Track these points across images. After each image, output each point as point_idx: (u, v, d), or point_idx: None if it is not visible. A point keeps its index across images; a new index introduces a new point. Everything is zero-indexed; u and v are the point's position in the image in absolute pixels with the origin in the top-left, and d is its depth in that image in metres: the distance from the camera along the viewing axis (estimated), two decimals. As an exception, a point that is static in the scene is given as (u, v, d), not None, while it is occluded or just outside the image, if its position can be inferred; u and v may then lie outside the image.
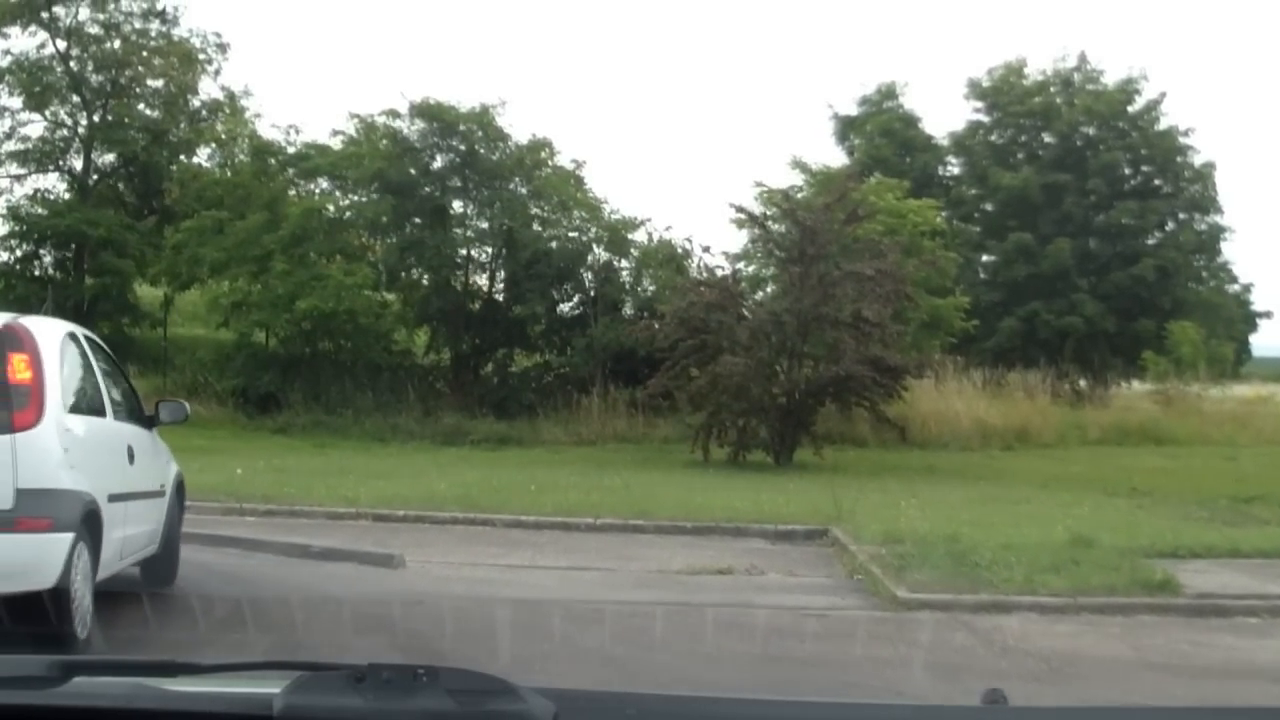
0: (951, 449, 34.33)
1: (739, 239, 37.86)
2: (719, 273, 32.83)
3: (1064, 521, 18.61)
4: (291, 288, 35.92)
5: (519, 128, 39.79)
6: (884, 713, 3.66)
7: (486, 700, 2.92)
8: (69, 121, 45.64)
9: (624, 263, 39.50)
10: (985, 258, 50.30)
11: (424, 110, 38.67)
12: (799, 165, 42.19)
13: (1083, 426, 38.41)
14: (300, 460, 27.71)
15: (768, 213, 33.38)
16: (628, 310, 39.14)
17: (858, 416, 33.38)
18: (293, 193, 40.18)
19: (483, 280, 40.95)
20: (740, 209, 32.37)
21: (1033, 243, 47.62)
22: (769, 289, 33.70)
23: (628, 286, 39.49)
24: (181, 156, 44.94)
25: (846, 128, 54.06)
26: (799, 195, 37.48)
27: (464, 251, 39.64)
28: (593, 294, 38.74)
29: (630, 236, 38.84)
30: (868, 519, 18.88)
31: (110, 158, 46.31)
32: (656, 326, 31.54)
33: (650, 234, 39.18)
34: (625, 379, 36.68)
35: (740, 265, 34.96)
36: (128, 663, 3.37)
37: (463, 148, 38.93)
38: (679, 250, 38.57)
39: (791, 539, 18.65)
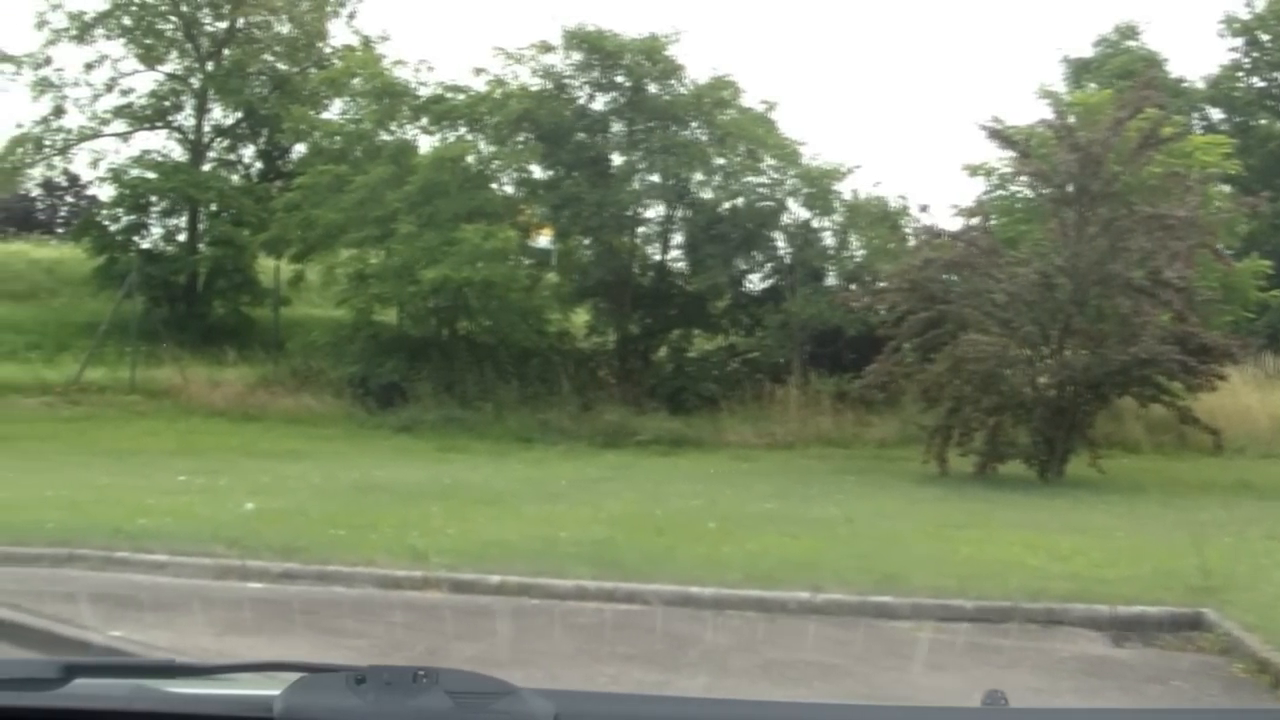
0: (1249, 455, 26.46)
1: (970, 191, 30.47)
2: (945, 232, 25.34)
3: None
4: (419, 254, 29.13)
5: (694, 65, 32.69)
6: (884, 713, 3.60)
7: (487, 701, 2.85)
8: (180, 72, 39.97)
9: (824, 222, 32.46)
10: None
11: (581, 38, 31.78)
12: (1048, 95, 33.89)
13: None
14: (404, 472, 21.04)
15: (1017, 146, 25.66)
16: (830, 280, 32.11)
17: (1124, 413, 26.10)
18: (424, 141, 33.53)
19: (654, 247, 33.74)
20: (996, 130, 24.62)
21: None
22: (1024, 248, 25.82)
23: (831, 251, 32.29)
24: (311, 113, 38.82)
25: (1079, 72, 46.19)
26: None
27: (630, 211, 32.56)
28: (788, 261, 31.61)
29: (835, 188, 31.53)
30: (1255, 586, 11.60)
31: (228, 119, 40.76)
32: (871, 296, 24.51)
33: (854, 191, 32.22)
34: (829, 365, 30.32)
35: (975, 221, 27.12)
36: (129, 664, 3.79)
37: (628, 84, 32.02)
38: (892, 208, 31.51)
39: (1142, 631, 11.21)
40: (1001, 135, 24.57)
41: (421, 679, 2.87)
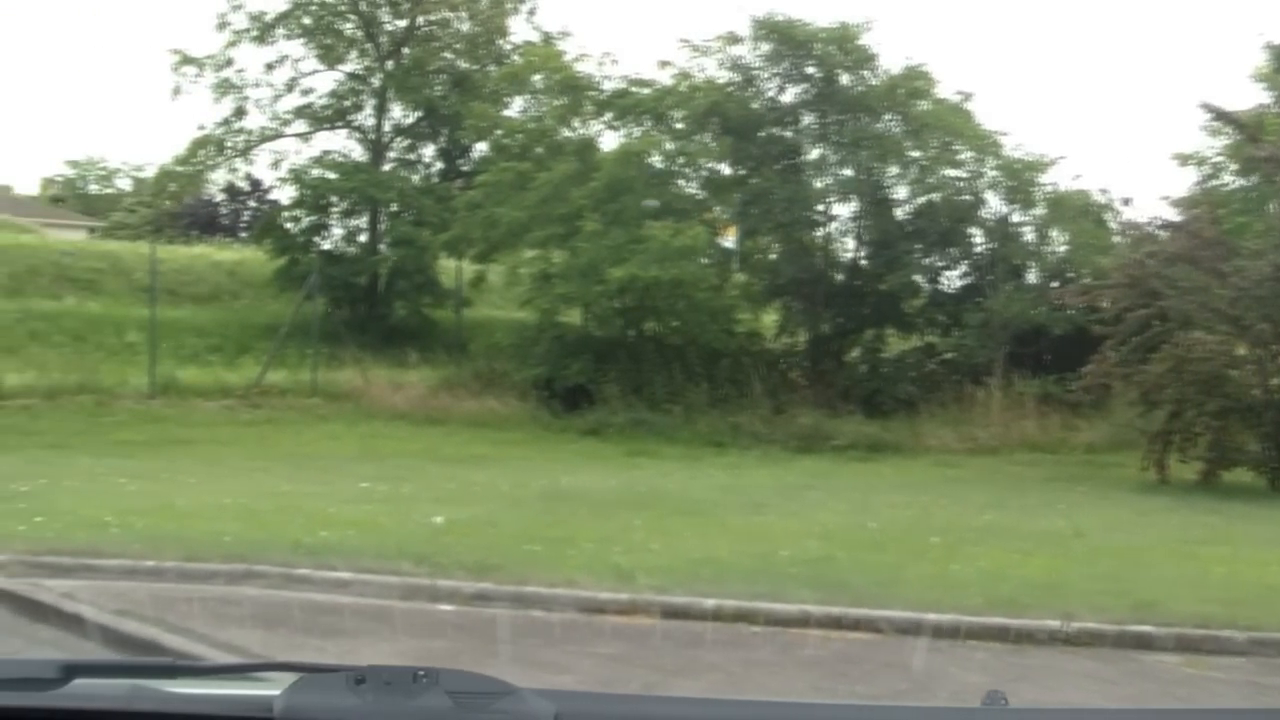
0: None
1: (1179, 182, 28.77)
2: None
3: None
4: (605, 253, 28.20)
5: (887, 54, 31.30)
6: (884, 713, 3.50)
7: (487, 701, 2.81)
8: (360, 72, 39.61)
9: (1023, 216, 31.18)
10: None
11: (770, 28, 30.63)
12: (1265, 79, 31.81)
13: None
14: (595, 479, 20.11)
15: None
16: (1031, 277, 30.66)
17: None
18: (608, 136, 32.65)
19: (846, 243, 32.51)
20: (1222, 113, 23.05)
21: None
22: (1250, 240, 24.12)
23: (1032, 247, 30.83)
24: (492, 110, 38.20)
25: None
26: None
27: (822, 207, 31.35)
28: (990, 257, 30.23)
29: (1038, 180, 30.06)
30: None
31: (409, 117, 40.32)
32: (1087, 292, 23.10)
33: (1054, 184, 30.94)
34: (1031, 366, 28.70)
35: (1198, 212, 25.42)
36: (129, 664, 3.71)
37: (819, 75, 30.79)
38: (1095, 202, 30.03)
39: None
40: (1228, 117, 23.06)
41: (421, 679, 2.84)
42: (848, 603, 10.73)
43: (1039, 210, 30.79)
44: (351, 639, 9.92)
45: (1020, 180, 30.32)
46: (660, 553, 12.92)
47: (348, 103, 40.05)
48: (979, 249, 31.52)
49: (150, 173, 52.92)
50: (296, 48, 39.19)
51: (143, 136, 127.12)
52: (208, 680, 3.28)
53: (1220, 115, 22.90)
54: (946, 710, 3.62)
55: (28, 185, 76.84)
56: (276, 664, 3.30)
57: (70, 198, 74.71)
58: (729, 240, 32.33)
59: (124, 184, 75.32)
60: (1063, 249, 30.87)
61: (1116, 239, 29.28)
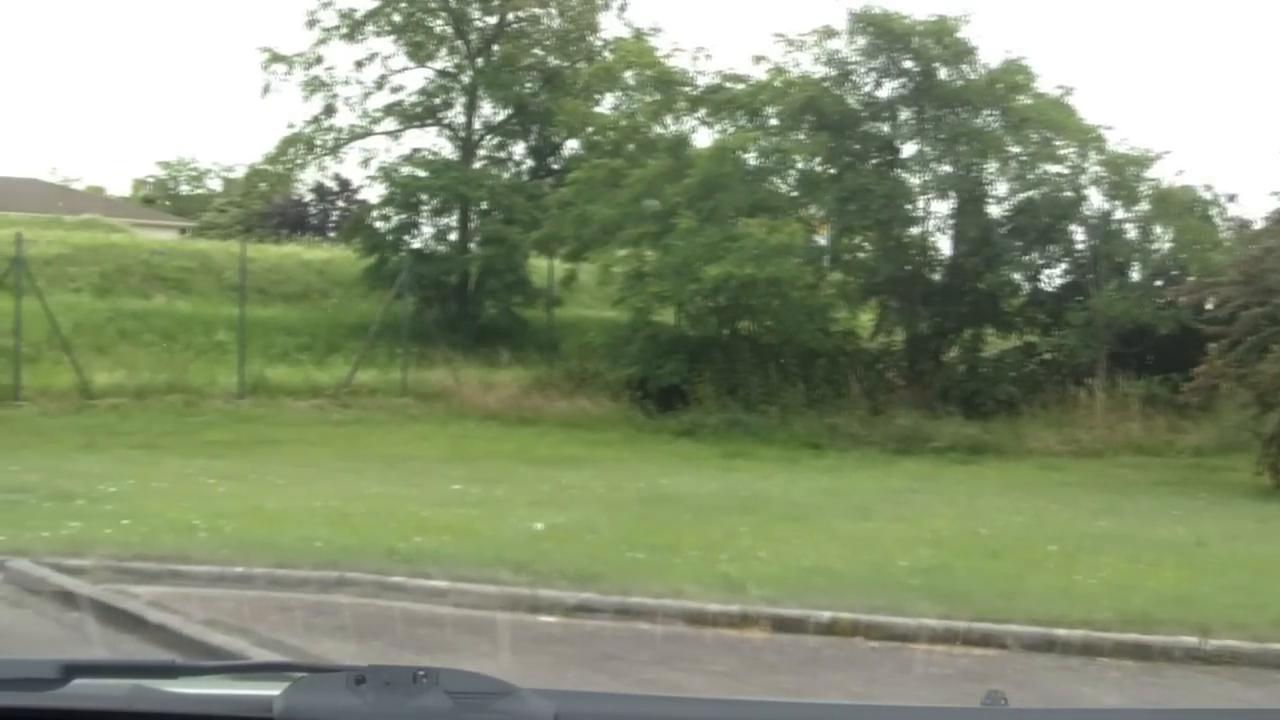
0: None
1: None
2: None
3: None
4: (699, 250, 27.74)
5: (986, 47, 30.73)
6: (884, 714, 3.41)
7: (487, 701, 2.79)
8: (450, 69, 39.35)
9: (1125, 212, 30.51)
10: None
11: (867, 21, 30.06)
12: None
13: None
14: (693, 481, 19.75)
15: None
16: (1134, 275, 29.92)
17: None
18: (701, 133, 32.18)
19: (944, 241, 31.87)
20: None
21: None
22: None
23: (1135, 244, 30.11)
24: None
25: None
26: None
27: (919, 204, 30.79)
28: (1091, 254, 29.56)
29: (1142, 176, 29.33)
30: None
31: (499, 115, 40.05)
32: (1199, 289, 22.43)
33: (1155, 180, 30.18)
34: (1134, 366, 28.02)
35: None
36: (128, 664, 3.49)
37: (916, 69, 30.18)
38: (1200, 197, 29.34)
39: None
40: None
41: (421, 679, 2.81)
42: (969, 616, 10.18)
43: (1142, 206, 30.06)
44: (451, 653, 9.47)
45: (1123, 176, 29.61)
46: (769, 561, 12.44)
47: (437, 100, 39.76)
48: (1080, 246, 30.79)
49: (240, 173, 53.11)
50: (386, 45, 38.96)
51: (233, 137, 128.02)
52: (208, 680, 3.22)
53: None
54: (946, 710, 3.56)
55: (120, 186, 77.33)
56: (277, 664, 3.36)
57: (161, 199, 75.06)
58: (822, 238, 31.79)
59: (214, 185, 75.62)
60: (1167, 246, 30.13)
61: (1224, 235, 28.61)
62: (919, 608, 10.37)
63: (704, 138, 32.18)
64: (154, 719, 2.94)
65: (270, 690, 2.84)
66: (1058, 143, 30.16)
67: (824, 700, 4.29)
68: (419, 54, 39.15)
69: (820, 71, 31.05)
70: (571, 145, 38.88)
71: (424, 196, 37.95)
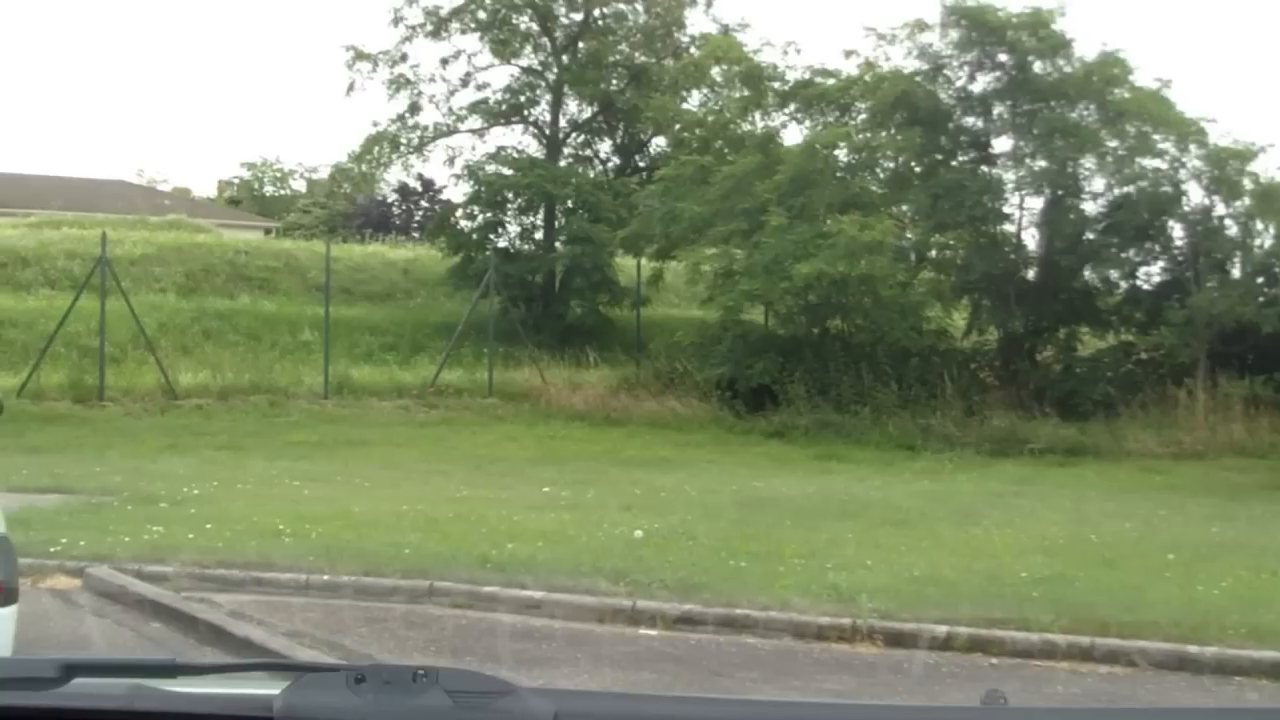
0: None
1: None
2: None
3: None
4: (790, 248, 27.27)
5: (1082, 39, 30.03)
6: (884, 713, 3.46)
7: (486, 701, 2.78)
8: (535, 66, 39.12)
9: (1226, 208, 29.69)
10: None
11: (960, 13, 29.46)
12: None
13: None
14: (788, 484, 19.32)
15: None
16: (1235, 272, 29.20)
17: None
18: (791, 129, 31.72)
19: (1038, 238, 31.13)
20: None
21: None
22: None
23: (1237, 240, 29.33)
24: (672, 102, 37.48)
25: None
26: None
27: (1014, 201, 30.20)
28: (1191, 251, 28.83)
29: (1247, 169, 28.54)
30: None
31: (585, 112, 39.83)
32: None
33: (1256, 174, 29.20)
34: (1236, 366, 27.58)
35: None
36: (128, 664, 3.43)
37: (1011, 63, 29.55)
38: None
39: None
40: None
41: (421, 678, 2.80)
42: (1094, 631, 9.72)
43: (1245, 201, 29.25)
44: (549, 668, 9.07)
45: (1224, 170, 28.80)
46: (877, 570, 12.00)
47: (523, 98, 39.62)
48: (1179, 243, 30.03)
49: (324, 174, 53.11)
50: (471, 42, 38.95)
51: (318, 138, 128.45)
52: (208, 680, 3.20)
53: None
54: (946, 710, 3.57)
55: (205, 188, 77.75)
56: (277, 664, 3.37)
57: (246, 199, 75.37)
58: (913, 235, 31.26)
59: (299, 186, 75.90)
60: (1270, 242, 29.31)
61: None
62: (1040, 621, 9.90)
63: (793, 134, 31.78)
64: (154, 718, 2.94)
65: (270, 690, 2.86)
66: (1156, 136, 29.36)
67: (824, 700, 4.34)
68: (504, 51, 38.97)
69: (912, 66, 30.48)
70: (658, 142, 38.58)
71: (509, 195, 37.70)
